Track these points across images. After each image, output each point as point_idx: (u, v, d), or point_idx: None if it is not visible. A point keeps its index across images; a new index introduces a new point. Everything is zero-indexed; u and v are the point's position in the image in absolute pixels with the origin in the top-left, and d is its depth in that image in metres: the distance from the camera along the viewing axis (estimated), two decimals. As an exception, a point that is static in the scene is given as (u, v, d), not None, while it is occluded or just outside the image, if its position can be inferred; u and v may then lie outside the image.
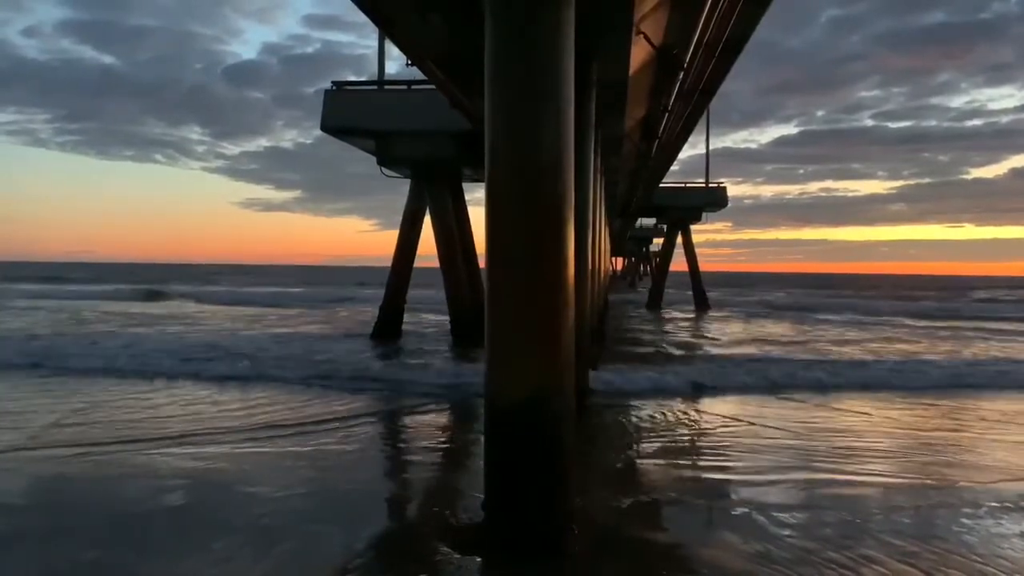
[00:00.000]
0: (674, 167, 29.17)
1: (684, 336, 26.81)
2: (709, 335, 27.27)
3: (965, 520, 6.76)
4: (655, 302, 46.12)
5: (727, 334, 27.57)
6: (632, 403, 12.74)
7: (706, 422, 11.44)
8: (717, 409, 12.51)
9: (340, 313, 37.00)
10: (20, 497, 7.28)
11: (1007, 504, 7.27)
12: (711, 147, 40.47)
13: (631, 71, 11.93)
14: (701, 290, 46.54)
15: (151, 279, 77.04)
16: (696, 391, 14.10)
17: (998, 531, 6.48)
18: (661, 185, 36.56)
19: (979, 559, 5.78)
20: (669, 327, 31.17)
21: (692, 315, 39.55)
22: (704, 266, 47.88)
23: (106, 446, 9.14)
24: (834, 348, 22.56)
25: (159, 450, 9.02)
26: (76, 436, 9.67)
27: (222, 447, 9.24)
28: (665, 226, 49.28)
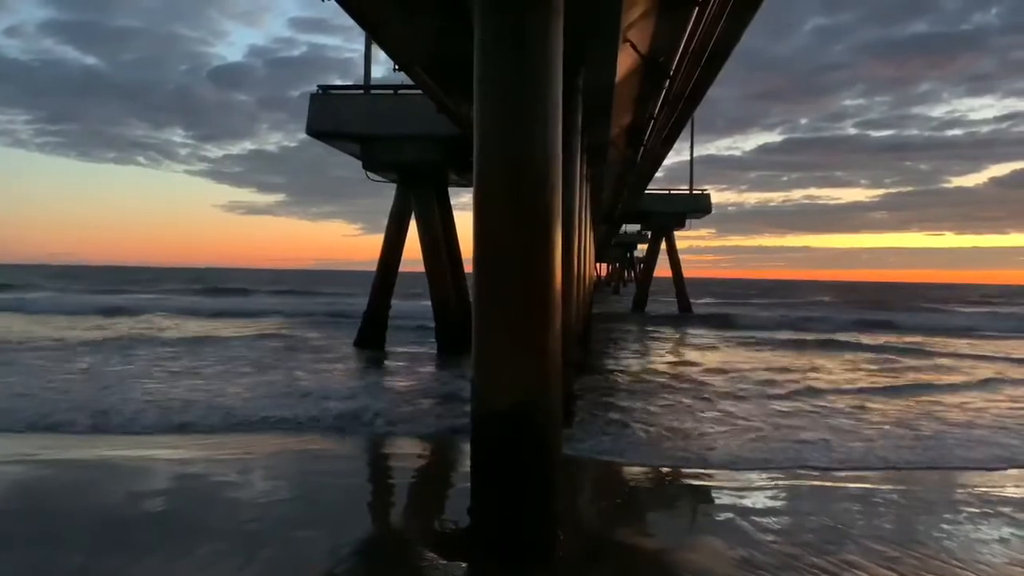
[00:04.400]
0: (658, 174, 29.38)
1: (668, 350, 26.88)
2: (694, 350, 27.31)
3: (946, 525, 6.83)
4: (639, 308, 46.31)
5: (713, 352, 27.66)
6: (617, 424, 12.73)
7: (695, 427, 11.48)
8: (708, 420, 12.56)
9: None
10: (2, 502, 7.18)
11: (986, 510, 7.36)
12: (695, 154, 40.82)
13: (617, 78, 11.98)
14: (685, 296, 46.76)
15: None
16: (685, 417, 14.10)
17: (978, 536, 6.56)
18: (646, 191, 36.74)
19: (959, 564, 5.84)
20: (654, 339, 31.24)
21: (675, 326, 39.65)
22: (688, 272, 48.18)
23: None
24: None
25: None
26: None
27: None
28: (649, 232, 49.51)
